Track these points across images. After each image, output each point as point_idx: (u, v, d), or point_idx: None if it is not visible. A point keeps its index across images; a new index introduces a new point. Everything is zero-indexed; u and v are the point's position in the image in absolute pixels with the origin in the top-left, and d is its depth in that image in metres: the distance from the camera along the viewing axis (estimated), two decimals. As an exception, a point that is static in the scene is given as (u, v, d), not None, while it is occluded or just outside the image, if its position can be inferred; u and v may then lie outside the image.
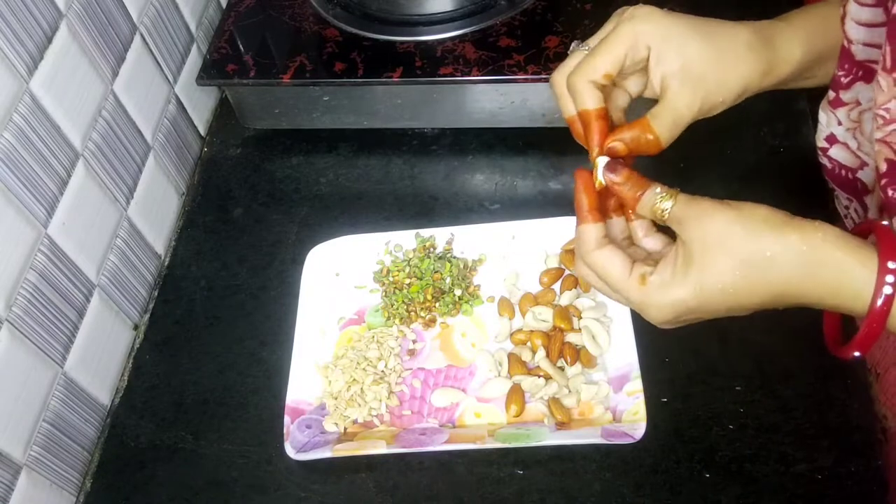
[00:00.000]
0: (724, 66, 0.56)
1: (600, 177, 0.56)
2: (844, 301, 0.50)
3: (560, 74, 0.59)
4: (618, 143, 0.56)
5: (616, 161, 0.56)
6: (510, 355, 0.76)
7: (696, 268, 0.51)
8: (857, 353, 0.51)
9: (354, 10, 0.96)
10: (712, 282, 0.51)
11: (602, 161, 0.56)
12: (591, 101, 0.56)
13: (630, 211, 0.58)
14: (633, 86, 0.60)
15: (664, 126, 0.56)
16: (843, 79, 0.58)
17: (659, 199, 0.54)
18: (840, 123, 0.61)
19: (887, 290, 0.48)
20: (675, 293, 0.52)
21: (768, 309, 0.52)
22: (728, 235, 0.51)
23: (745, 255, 0.50)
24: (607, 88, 0.58)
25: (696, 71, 0.55)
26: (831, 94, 0.60)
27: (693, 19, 0.57)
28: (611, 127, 0.58)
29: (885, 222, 0.51)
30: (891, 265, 0.48)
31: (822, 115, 0.62)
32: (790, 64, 0.58)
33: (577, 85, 0.56)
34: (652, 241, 0.59)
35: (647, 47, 0.56)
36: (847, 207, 0.67)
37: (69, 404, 0.76)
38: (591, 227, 0.56)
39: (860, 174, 0.62)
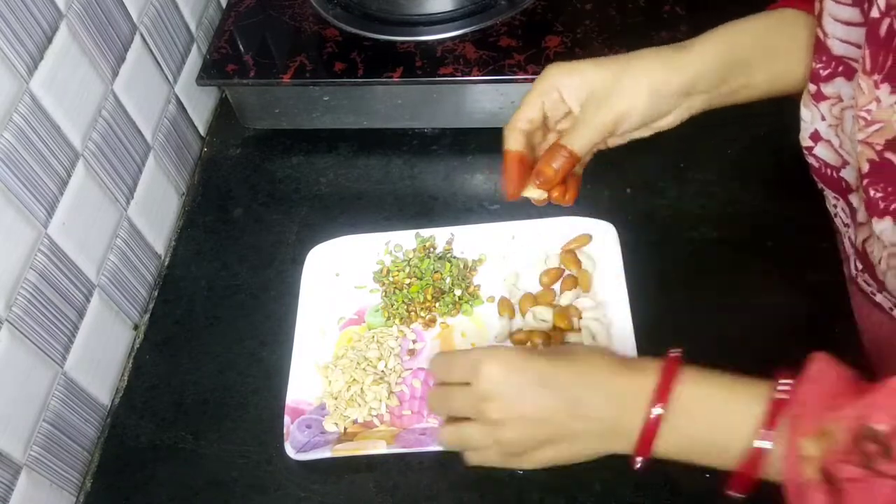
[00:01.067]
0: (623, 79, 0.62)
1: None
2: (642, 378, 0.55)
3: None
4: (544, 167, 0.65)
5: None
6: None
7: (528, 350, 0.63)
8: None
9: (354, 10, 0.96)
10: (542, 352, 0.59)
11: (528, 192, 0.67)
12: (512, 143, 0.66)
13: None
14: (566, 126, 0.67)
15: (574, 140, 0.64)
16: (821, 71, 0.59)
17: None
18: (824, 119, 0.61)
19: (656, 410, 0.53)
20: (508, 351, 0.59)
21: (582, 413, 0.56)
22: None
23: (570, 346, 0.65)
24: (534, 133, 0.67)
25: (599, 92, 0.63)
26: (812, 87, 0.61)
27: (594, 58, 0.65)
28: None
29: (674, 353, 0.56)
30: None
31: (805, 112, 0.63)
32: (701, 58, 0.63)
33: (505, 130, 0.67)
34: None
35: (556, 89, 0.65)
36: (835, 206, 0.67)
37: (69, 404, 0.76)
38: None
39: (843, 172, 0.63)
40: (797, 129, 0.67)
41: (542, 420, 0.56)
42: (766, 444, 0.50)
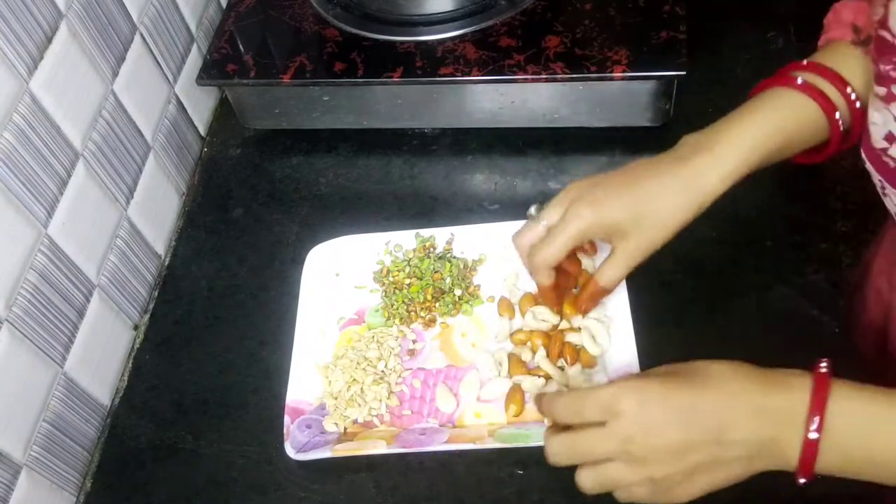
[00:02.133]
0: (650, 218, 0.65)
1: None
2: (791, 395, 0.53)
3: (520, 239, 0.70)
4: (585, 304, 0.73)
5: None
6: (510, 355, 0.76)
7: (658, 372, 0.57)
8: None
9: (354, 10, 0.96)
10: (673, 376, 0.56)
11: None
12: (545, 279, 0.70)
13: None
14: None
15: (606, 278, 0.69)
16: (892, 73, 0.58)
17: None
18: None
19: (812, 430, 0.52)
20: (640, 380, 0.56)
21: (729, 440, 0.54)
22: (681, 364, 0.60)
23: (700, 365, 0.57)
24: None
25: (629, 231, 0.66)
26: (881, 90, 0.60)
27: (618, 188, 0.66)
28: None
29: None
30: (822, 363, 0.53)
31: (877, 115, 0.62)
32: (717, 190, 0.65)
33: (536, 266, 0.69)
34: None
35: (590, 235, 0.68)
36: None
37: (69, 404, 0.76)
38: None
39: None
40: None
41: (690, 452, 0.54)
42: None
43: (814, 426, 0.51)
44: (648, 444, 0.54)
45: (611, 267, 0.68)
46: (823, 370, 0.53)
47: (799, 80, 0.65)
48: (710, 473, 0.54)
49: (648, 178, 0.66)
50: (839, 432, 0.52)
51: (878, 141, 0.63)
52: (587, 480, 0.57)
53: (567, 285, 0.75)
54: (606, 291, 0.71)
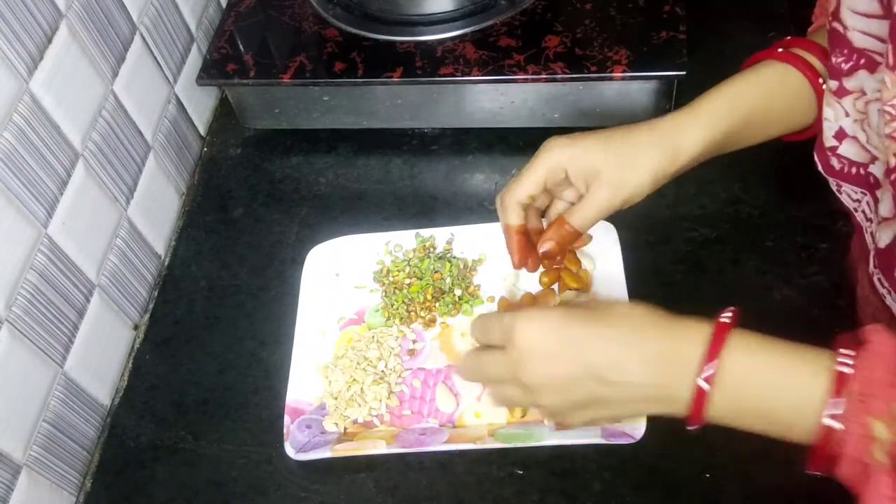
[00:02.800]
0: (628, 166, 0.65)
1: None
2: (685, 344, 0.53)
3: (499, 196, 0.69)
4: (548, 243, 0.68)
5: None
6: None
7: (563, 307, 0.58)
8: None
9: (354, 10, 0.96)
10: (576, 311, 0.56)
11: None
12: (513, 218, 0.68)
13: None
14: (568, 195, 0.70)
15: (578, 219, 0.67)
16: (843, 65, 0.59)
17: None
18: (847, 115, 0.61)
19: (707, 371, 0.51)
20: (542, 311, 0.57)
21: (619, 379, 0.54)
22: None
23: (605, 304, 0.59)
24: (540, 201, 0.70)
25: (605, 174, 0.65)
26: (833, 83, 0.60)
27: (597, 135, 0.66)
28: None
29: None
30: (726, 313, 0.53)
31: (829, 110, 0.62)
32: (696, 146, 0.65)
33: (505, 204, 0.68)
34: None
35: (563, 169, 0.66)
36: (858, 201, 0.66)
37: (69, 404, 0.76)
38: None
39: (872, 168, 0.62)
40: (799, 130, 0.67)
41: (575, 387, 0.55)
42: (836, 424, 0.48)
43: (705, 374, 0.51)
44: (536, 373, 0.56)
45: (583, 209, 0.66)
46: (725, 320, 0.53)
47: (780, 50, 0.67)
48: (597, 408, 0.56)
49: (628, 132, 0.66)
50: (734, 385, 0.52)
51: (828, 139, 0.63)
52: (491, 396, 0.62)
53: (551, 256, 0.70)
54: (573, 235, 0.68)
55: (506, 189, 0.68)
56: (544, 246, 0.68)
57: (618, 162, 0.65)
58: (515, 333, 0.56)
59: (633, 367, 0.54)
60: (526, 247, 0.69)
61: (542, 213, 0.72)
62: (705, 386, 0.51)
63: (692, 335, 0.53)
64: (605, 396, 0.55)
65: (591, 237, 0.78)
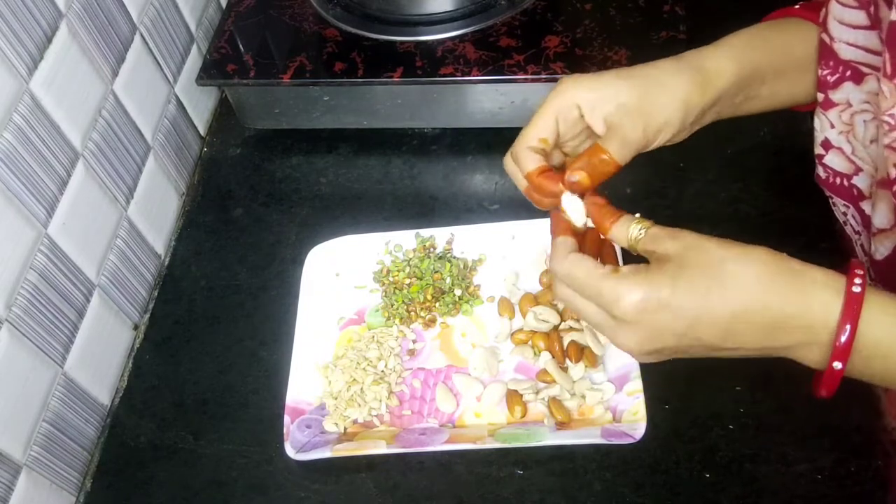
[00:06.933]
0: (656, 93, 0.58)
1: (570, 215, 0.59)
2: (812, 317, 0.49)
3: (507, 157, 0.62)
4: (578, 173, 0.58)
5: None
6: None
7: (673, 264, 0.52)
8: (837, 364, 0.50)
9: (354, 10, 0.96)
10: (686, 276, 0.51)
11: (567, 198, 0.59)
12: (531, 163, 0.59)
13: (603, 237, 0.59)
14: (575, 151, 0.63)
15: (614, 145, 0.58)
16: (828, 77, 0.59)
17: (634, 223, 0.56)
18: (833, 126, 0.61)
19: (856, 288, 0.48)
20: (650, 279, 0.51)
21: (732, 346, 0.52)
22: (703, 246, 0.53)
23: (718, 260, 0.52)
24: (549, 156, 0.61)
25: (630, 104, 0.58)
26: (820, 96, 0.60)
27: (614, 70, 0.60)
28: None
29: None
30: (858, 272, 0.49)
31: (816, 121, 0.62)
32: (724, 75, 0.60)
33: (518, 154, 0.60)
34: None
35: (576, 106, 0.59)
36: (845, 214, 0.67)
37: (69, 404, 0.76)
38: (564, 239, 0.57)
39: (855, 180, 0.62)
40: (797, 130, 0.67)
41: (685, 353, 0.53)
42: None
43: (837, 360, 0.49)
44: (644, 346, 0.53)
45: (615, 141, 0.58)
46: (857, 290, 0.49)
47: (797, 6, 0.65)
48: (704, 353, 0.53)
49: (650, 64, 0.61)
50: (868, 358, 0.49)
51: (817, 147, 0.63)
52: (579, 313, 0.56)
53: (581, 188, 0.58)
54: (607, 165, 0.58)
55: (514, 143, 0.61)
56: (574, 175, 0.57)
57: (644, 86, 0.58)
58: (621, 306, 0.51)
59: (754, 335, 0.51)
60: (553, 186, 0.59)
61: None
62: (838, 366, 0.48)
63: (822, 304, 0.49)
64: (716, 355, 0.53)
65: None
